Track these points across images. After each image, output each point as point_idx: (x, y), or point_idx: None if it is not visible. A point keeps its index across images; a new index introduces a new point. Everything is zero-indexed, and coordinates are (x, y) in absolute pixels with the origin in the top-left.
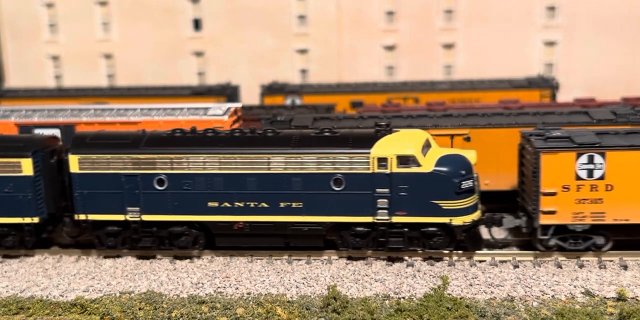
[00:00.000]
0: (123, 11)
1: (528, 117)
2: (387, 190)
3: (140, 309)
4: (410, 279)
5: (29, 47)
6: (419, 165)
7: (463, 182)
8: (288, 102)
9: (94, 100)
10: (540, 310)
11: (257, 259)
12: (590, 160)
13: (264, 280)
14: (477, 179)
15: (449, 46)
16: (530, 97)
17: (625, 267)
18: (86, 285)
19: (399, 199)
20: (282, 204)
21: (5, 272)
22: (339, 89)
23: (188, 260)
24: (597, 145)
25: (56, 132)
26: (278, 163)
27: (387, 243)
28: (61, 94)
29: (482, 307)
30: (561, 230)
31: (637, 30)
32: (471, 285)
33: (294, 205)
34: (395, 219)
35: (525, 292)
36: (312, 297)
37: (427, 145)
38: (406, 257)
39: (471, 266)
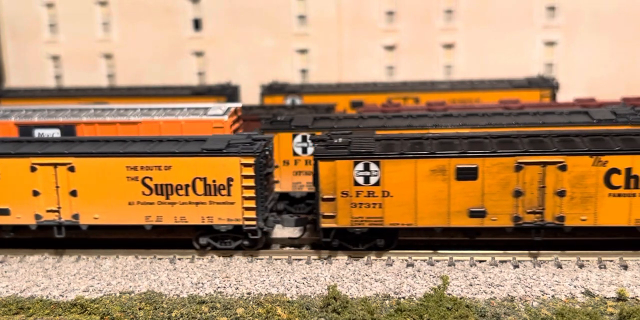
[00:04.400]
0: (123, 11)
1: (528, 117)
2: None
3: (140, 309)
4: (410, 279)
5: (29, 47)
6: None
7: None
8: (288, 102)
9: (94, 100)
10: (540, 310)
11: (257, 259)
12: None
13: (264, 280)
14: None
15: (449, 46)
16: (530, 97)
17: (625, 267)
18: (86, 285)
19: None
20: None
21: (5, 272)
22: (339, 89)
23: (188, 260)
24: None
25: (56, 132)
26: None
27: None
28: (61, 94)
29: (482, 307)
30: None
31: (637, 30)
32: (471, 285)
33: None
34: None
35: (525, 292)
36: (312, 297)
37: None
38: (406, 257)
39: (471, 266)
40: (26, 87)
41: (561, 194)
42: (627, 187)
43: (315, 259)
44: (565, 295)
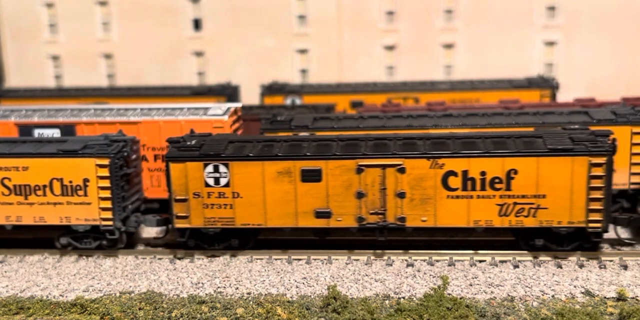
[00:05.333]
0: (123, 11)
1: (528, 117)
2: None
3: (140, 309)
4: (410, 279)
5: (29, 47)
6: None
7: None
8: (288, 102)
9: (94, 100)
10: (540, 310)
11: (257, 259)
12: None
13: (264, 280)
14: None
15: (449, 46)
16: (530, 97)
17: (625, 267)
18: (86, 285)
19: None
20: None
21: (5, 272)
22: (339, 89)
23: (188, 260)
24: None
25: (56, 132)
26: None
27: None
28: (61, 94)
29: (482, 307)
30: None
31: (637, 30)
32: (471, 285)
33: None
34: None
35: (525, 292)
36: (312, 297)
37: None
38: (406, 257)
39: (471, 266)
40: (26, 87)
41: (401, 195)
42: (465, 189)
43: (315, 259)
44: (565, 295)
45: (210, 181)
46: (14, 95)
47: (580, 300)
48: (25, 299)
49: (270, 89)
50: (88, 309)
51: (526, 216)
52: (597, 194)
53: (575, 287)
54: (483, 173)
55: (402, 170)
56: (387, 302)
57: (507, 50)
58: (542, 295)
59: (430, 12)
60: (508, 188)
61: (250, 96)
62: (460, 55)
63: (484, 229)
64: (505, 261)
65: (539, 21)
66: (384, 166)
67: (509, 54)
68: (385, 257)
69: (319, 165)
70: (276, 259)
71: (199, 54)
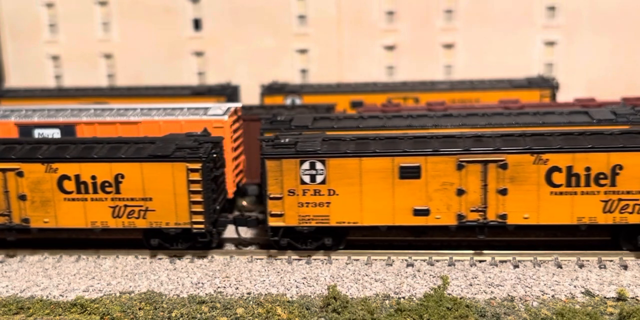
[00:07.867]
0: (123, 11)
1: (528, 117)
2: None
3: (140, 309)
4: (410, 279)
5: (29, 47)
6: None
7: None
8: (288, 102)
9: (94, 100)
10: (540, 310)
11: (257, 259)
12: None
13: (264, 280)
14: None
15: (449, 46)
16: (530, 97)
17: (625, 267)
18: (86, 285)
19: None
20: None
21: (5, 272)
22: (339, 89)
23: (188, 260)
24: None
25: (56, 132)
26: None
27: None
28: (61, 94)
29: (482, 307)
30: None
31: (637, 30)
32: (471, 285)
33: None
34: None
35: (525, 292)
36: (312, 297)
37: None
38: (406, 257)
39: (471, 266)
40: (26, 87)
41: (22, 198)
42: (79, 192)
43: (315, 259)
44: (565, 295)
45: None
46: (14, 95)
47: (580, 300)
48: (25, 299)
49: (270, 89)
50: (88, 309)
51: (137, 218)
52: (198, 198)
53: (575, 287)
54: (94, 177)
55: (20, 174)
56: (387, 302)
57: (507, 50)
58: (542, 295)
59: (430, 12)
60: (117, 191)
61: (250, 96)
62: (460, 55)
63: (101, 229)
64: (505, 261)
65: (539, 21)
66: (4, 170)
67: (509, 54)
68: (385, 257)
69: None
70: (276, 259)
71: (199, 54)
